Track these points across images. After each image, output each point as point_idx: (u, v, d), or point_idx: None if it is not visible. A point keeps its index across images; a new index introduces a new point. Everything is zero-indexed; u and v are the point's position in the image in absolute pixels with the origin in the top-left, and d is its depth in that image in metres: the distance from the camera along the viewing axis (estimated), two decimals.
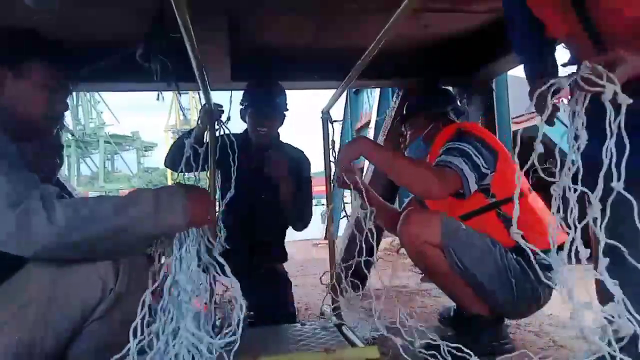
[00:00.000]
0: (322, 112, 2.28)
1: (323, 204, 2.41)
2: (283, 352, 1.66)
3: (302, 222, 2.48)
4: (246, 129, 2.47)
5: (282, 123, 2.48)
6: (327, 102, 2.26)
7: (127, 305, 1.12)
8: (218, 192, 2.20)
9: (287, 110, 2.47)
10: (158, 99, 1.89)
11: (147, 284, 1.15)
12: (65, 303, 1.06)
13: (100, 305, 1.10)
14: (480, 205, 1.87)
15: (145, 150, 47.79)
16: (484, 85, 2.88)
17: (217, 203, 2.15)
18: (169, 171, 2.31)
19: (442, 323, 2.26)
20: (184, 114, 36.63)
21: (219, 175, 2.22)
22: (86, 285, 1.08)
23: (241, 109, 2.45)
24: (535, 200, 1.93)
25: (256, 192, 2.37)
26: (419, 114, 2.18)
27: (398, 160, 1.82)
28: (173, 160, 2.20)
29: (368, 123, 2.43)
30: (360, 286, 2.07)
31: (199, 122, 2.04)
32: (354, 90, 6.71)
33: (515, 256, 1.79)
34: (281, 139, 2.57)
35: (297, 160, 2.49)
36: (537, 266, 1.78)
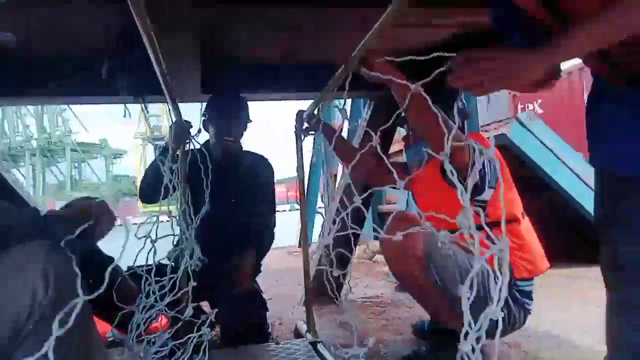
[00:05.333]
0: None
1: (297, 209, 2.39)
2: None
3: (268, 231, 2.46)
4: (207, 141, 2.44)
5: (245, 131, 2.52)
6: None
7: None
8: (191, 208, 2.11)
9: (250, 121, 2.51)
10: (125, 115, 1.83)
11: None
12: None
13: (32, 316, 0.99)
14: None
15: (114, 158, 46.88)
16: (452, 94, 2.90)
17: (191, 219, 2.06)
18: (138, 179, 2.23)
19: (416, 336, 2.26)
20: (149, 126, 36.33)
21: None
22: (16, 294, 0.99)
23: (204, 120, 2.40)
24: (527, 227, 1.87)
25: (225, 205, 2.29)
26: None
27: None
28: (150, 186, 2.12)
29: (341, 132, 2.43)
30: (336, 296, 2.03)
31: (172, 142, 1.97)
32: None
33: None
34: (245, 148, 2.57)
35: (260, 168, 2.53)
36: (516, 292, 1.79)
